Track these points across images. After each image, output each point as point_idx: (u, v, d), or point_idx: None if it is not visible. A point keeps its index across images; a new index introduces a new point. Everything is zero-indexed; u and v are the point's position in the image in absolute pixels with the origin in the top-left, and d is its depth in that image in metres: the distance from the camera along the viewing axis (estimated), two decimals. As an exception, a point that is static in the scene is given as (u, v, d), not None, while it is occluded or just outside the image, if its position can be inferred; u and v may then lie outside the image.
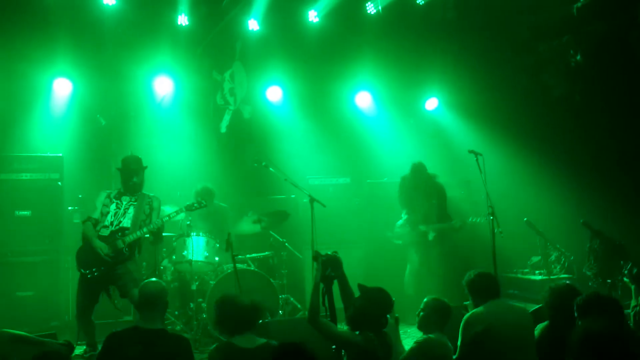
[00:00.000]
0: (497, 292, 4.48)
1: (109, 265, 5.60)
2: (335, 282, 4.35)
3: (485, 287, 4.46)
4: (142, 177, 5.97)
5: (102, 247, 5.59)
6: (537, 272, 8.12)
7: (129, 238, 5.67)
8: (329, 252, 4.36)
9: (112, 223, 5.74)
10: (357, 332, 3.94)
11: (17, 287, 6.80)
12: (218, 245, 6.84)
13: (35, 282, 6.86)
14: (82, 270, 5.62)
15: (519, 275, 8.23)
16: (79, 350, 5.77)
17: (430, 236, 7.45)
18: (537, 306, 5.32)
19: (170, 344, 3.87)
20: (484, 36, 8.87)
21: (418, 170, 7.59)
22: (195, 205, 6.11)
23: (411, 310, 6.02)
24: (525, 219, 7.92)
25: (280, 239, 7.43)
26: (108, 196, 5.90)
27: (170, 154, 8.06)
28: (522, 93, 8.92)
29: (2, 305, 6.64)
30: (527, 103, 8.86)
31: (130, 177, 5.90)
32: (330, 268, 4.28)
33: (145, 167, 6.02)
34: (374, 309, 3.96)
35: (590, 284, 7.17)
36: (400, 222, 7.73)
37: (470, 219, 7.66)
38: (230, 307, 3.99)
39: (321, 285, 4.22)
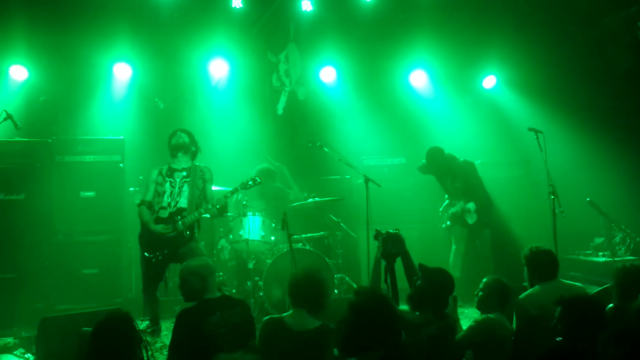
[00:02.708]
0: (555, 272, 4.39)
1: (172, 248, 5.75)
2: (400, 261, 4.32)
3: (542, 263, 4.39)
4: (184, 139, 6.01)
5: (163, 230, 5.71)
6: (600, 253, 7.86)
7: (188, 220, 5.76)
8: (391, 231, 4.34)
9: (169, 204, 5.83)
10: (417, 313, 3.92)
11: (83, 265, 7.04)
12: (274, 225, 6.92)
13: (100, 261, 7.07)
14: (147, 255, 5.77)
15: (581, 257, 7.98)
16: (142, 325, 5.98)
17: (471, 220, 7.28)
18: (599, 288, 5.17)
19: (240, 306, 4.10)
20: (544, 9, 8.54)
21: (430, 157, 7.37)
22: (250, 182, 6.08)
23: (457, 291, 5.95)
24: (588, 198, 7.68)
25: (336, 219, 7.47)
26: (160, 173, 5.96)
27: (226, 136, 8.17)
28: (585, 68, 8.57)
29: (69, 282, 6.92)
30: (590, 79, 8.51)
31: (174, 139, 6.00)
32: (390, 244, 4.26)
33: (190, 133, 6.09)
34: (433, 290, 3.89)
35: (657, 266, 6.91)
36: (442, 206, 7.64)
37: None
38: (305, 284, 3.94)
39: (383, 263, 4.20)
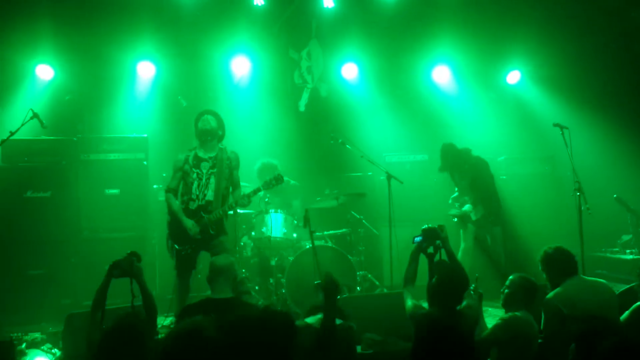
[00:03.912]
0: (575, 267, 4.34)
1: (200, 243, 5.80)
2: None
3: (561, 262, 4.33)
4: (211, 123, 5.92)
5: (192, 228, 5.73)
6: (627, 251, 7.72)
7: (214, 216, 5.75)
8: (429, 225, 4.38)
9: (197, 196, 5.80)
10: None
11: (108, 261, 6.91)
12: (296, 222, 6.93)
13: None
14: (177, 247, 5.81)
15: (608, 255, 7.86)
16: (166, 321, 6.04)
17: (474, 216, 7.19)
18: (626, 286, 5.09)
19: (243, 311, 3.94)
20: (571, 2, 8.39)
21: (441, 153, 7.29)
22: (272, 182, 6.06)
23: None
24: (615, 195, 7.56)
25: (358, 216, 7.45)
26: (187, 161, 5.88)
27: (248, 133, 8.18)
28: (613, 63, 8.41)
29: (95, 278, 6.94)
30: (618, 73, 8.36)
31: (201, 123, 5.92)
32: (423, 239, 4.27)
33: (217, 114, 6.01)
34: (441, 287, 3.89)
35: (687, 264, 6.78)
36: (451, 198, 7.57)
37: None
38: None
39: (423, 258, 4.22)
